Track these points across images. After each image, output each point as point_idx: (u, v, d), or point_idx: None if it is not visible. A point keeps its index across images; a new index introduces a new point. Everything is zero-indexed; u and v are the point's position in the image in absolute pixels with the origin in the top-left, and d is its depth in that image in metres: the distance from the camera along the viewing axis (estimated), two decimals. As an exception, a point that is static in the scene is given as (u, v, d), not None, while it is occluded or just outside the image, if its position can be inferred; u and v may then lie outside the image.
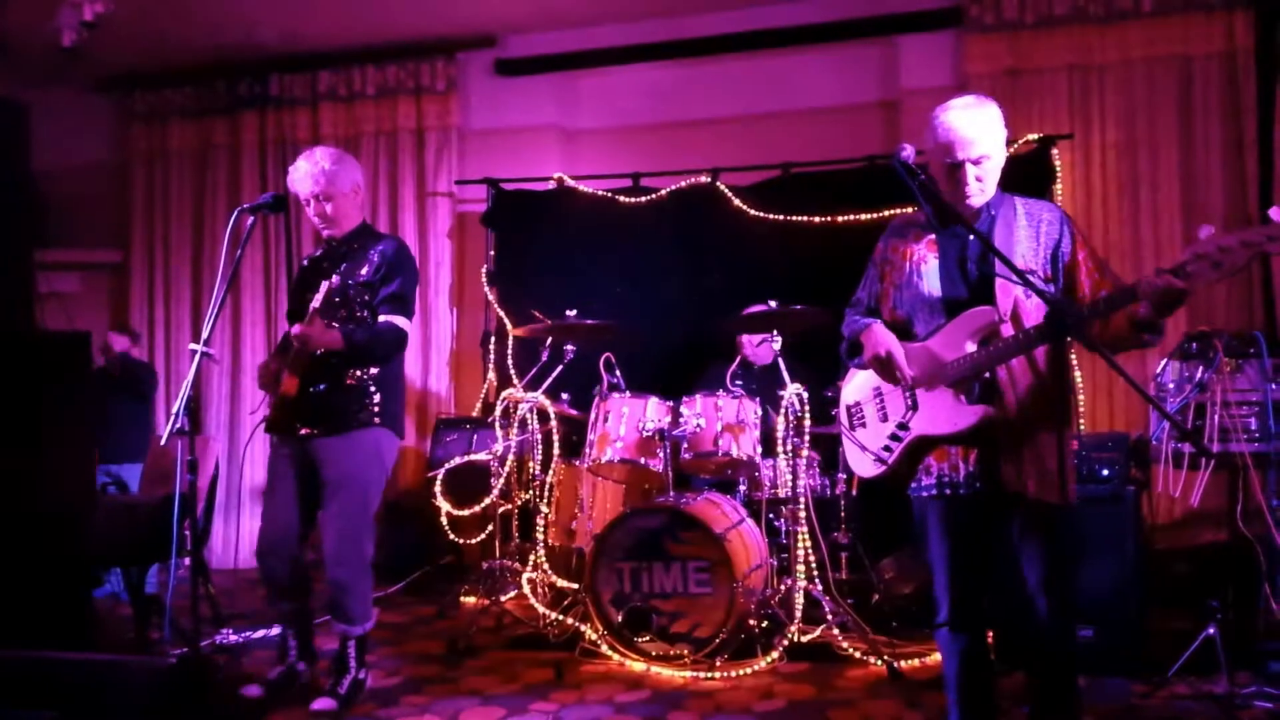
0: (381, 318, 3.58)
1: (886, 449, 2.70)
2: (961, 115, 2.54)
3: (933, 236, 2.66)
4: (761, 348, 4.91)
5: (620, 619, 3.99)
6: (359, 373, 3.58)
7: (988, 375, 2.52)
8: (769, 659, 3.87)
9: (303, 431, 3.55)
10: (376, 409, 3.58)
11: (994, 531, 2.57)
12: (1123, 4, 5.32)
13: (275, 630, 4.62)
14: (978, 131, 2.53)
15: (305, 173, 3.62)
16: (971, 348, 2.52)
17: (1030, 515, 2.52)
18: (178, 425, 2.97)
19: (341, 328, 3.52)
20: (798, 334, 4.49)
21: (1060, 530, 2.56)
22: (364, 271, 3.61)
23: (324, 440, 3.54)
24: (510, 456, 4.97)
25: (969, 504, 2.56)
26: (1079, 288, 2.55)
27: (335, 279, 3.51)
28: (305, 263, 3.84)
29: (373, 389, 3.59)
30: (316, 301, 3.43)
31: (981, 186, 2.57)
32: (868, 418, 2.79)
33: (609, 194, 5.90)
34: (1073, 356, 4.34)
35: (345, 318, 3.57)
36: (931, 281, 2.62)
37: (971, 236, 2.58)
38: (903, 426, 2.66)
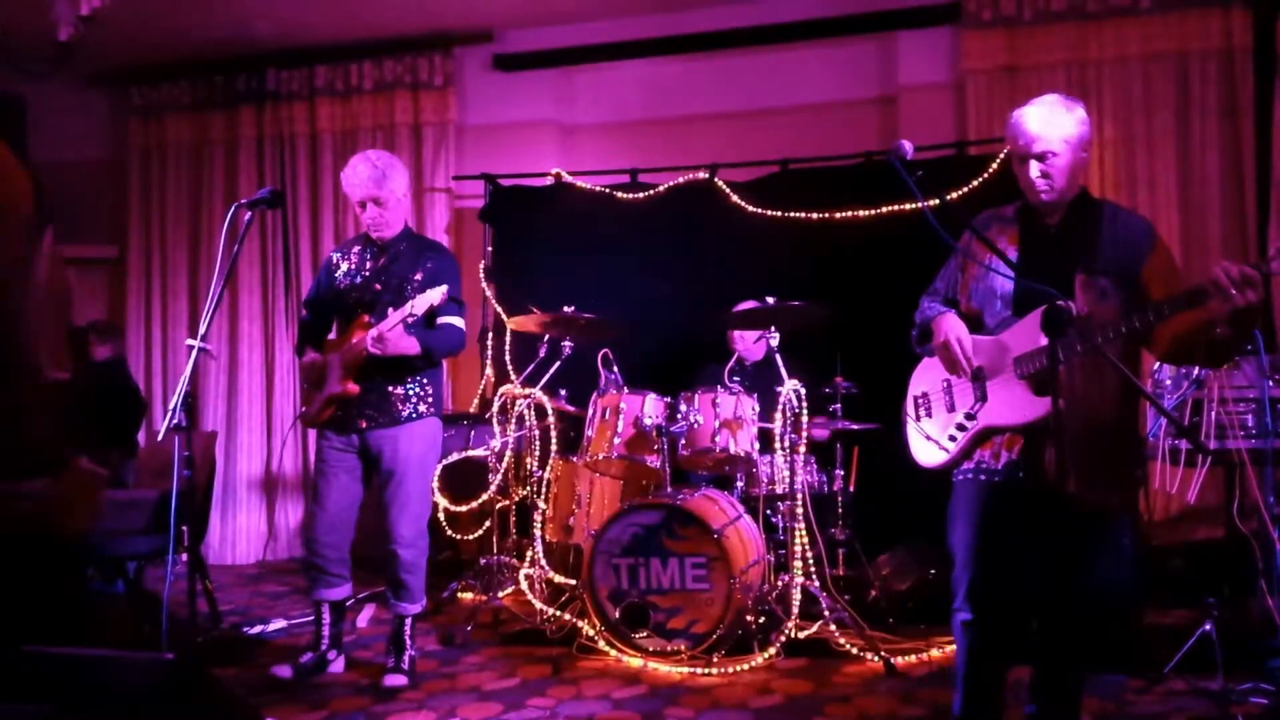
0: (442, 319, 3.76)
1: (951, 438, 2.72)
2: (1032, 111, 2.57)
3: (1016, 230, 2.65)
4: (757, 344, 4.90)
5: (617, 615, 4.00)
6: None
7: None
8: (766, 655, 3.87)
9: (362, 424, 3.72)
10: (430, 399, 3.82)
11: (1025, 524, 2.53)
12: (1120, 1, 5.32)
13: (275, 625, 4.67)
14: (1043, 129, 2.54)
15: (364, 175, 3.72)
16: (1043, 341, 2.51)
17: (1065, 512, 2.46)
18: (174, 421, 2.97)
19: (418, 334, 3.67)
20: (797, 330, 4.48)
21: (1102, 533, 2.56)
22: (418, 276, 3.76)
23: (385, 431, 3.73)
24: (508, 452, 4.97)
25: (1003, 492, 2.55)
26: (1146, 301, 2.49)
27: (421, 301, 3.55)
28: (338, 257, 3.93)
29: (425, 381, 3.81)
30: (398, 316, 3.55)
31: (1049, 184, 2.56)
32: (934, 407, 2.81)
33: (606, 190, 5.89)
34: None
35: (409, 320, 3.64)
36: (1006, 275, 2.61)
37: (1054, 233, 2.58)
38: (969, 417, 2.67)
